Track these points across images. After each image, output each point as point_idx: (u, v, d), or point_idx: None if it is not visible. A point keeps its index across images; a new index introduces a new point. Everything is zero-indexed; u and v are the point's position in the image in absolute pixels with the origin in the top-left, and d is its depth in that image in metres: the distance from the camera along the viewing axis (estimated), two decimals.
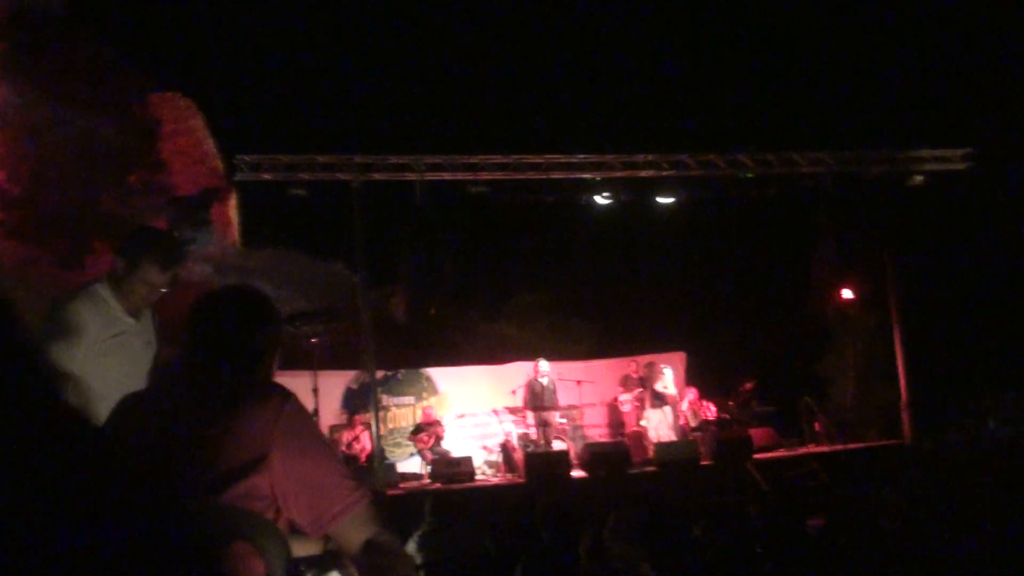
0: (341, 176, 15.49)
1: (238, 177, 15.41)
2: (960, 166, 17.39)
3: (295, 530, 2.26)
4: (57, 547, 1.25)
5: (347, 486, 2.25)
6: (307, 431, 2.25)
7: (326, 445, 2.32)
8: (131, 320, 4.30)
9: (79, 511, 1.30)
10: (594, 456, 14.40)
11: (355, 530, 2.26)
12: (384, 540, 2.27)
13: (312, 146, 15.91)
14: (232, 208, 18.25)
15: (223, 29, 18.84)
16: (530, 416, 15.44)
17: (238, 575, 2.04)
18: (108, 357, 4.20)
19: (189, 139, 16.43)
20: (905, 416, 16.66)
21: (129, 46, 15.44)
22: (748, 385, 17.81)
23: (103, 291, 4.18)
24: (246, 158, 15.18)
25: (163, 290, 4.29)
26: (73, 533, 1.30)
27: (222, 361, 2.35)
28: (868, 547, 4.69)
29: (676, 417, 16.17)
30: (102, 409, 3.79)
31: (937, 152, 17.34)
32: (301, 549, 2.54)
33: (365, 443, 15.35)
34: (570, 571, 4.86)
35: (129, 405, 2.45)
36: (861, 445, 16.17)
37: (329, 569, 2.60)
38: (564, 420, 15.91)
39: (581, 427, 17.05)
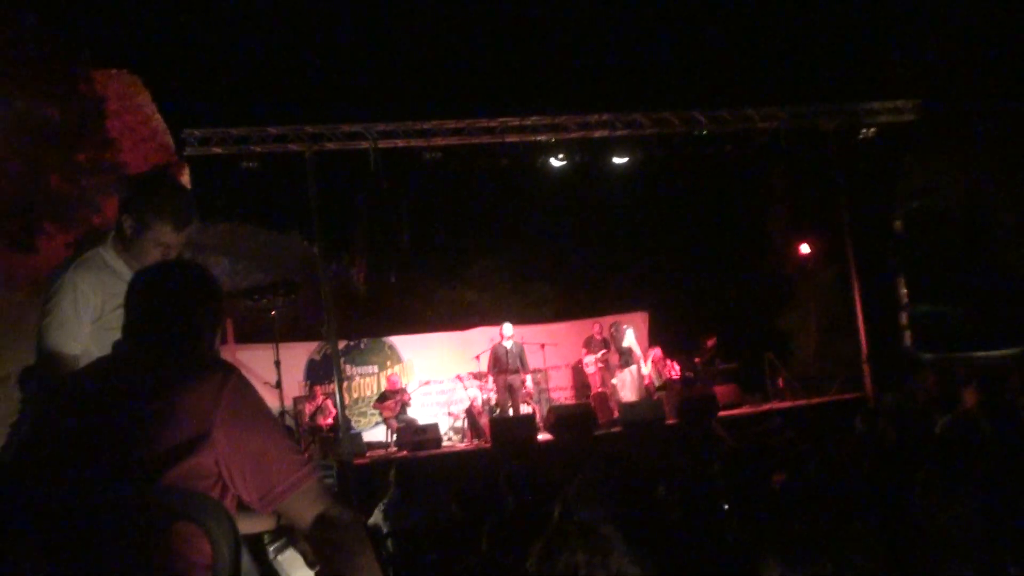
0: (293, 147, 15.34)
1: (188, 152, 15.22)
2: (911, 117, 17.47)
3: (246, 507, 2.20)
4: None
5: (295, 461, 2.19)
6: (251, 406, 2.17)
7: (272, 420, 2.25)
8: None
9: None
10: (560, 419, 14.41)
11: (305, 505, 2.20)
12: (336, 514, 2.22)
13: (262, 118, 15.73)
14: (185, 183, 18.06)
15: (166, 3, 18.57)
16: (489, 381, 15.44)
17: (183, 555, 1.99)
18: (118, 330, 3.77)
19: (137, 116, 16.19)
20: (866, 369, 16.79)
21: (71, 23, 15.16)
22: (710, 342, 17.91)
23: (107, 256, 3.68)
24: (195, 132, 14.99)
25: (177, 251, 3.75)
26: None
27: (161, 337, 2.28)
28: (831, 501, 4.69)
29: (641, 377, 16.24)
30: None
31: (888, 104, 17.41)
32: (254, 525, 2.49)
33: (329, 413, 15.31)
34: (536, 535, 4.84)
35: (66, 386, 2.38)
36: (823, 400, 16.29)
37: (289, 544, 2.56)
38: (531, 385, 15.93)
39: (546, 390, 17.09)
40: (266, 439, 2.16)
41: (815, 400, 15.86)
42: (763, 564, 2.36)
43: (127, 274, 3.50)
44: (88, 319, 3.58)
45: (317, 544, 2.24)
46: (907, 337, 17.49)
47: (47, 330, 3.56)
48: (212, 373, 2.15)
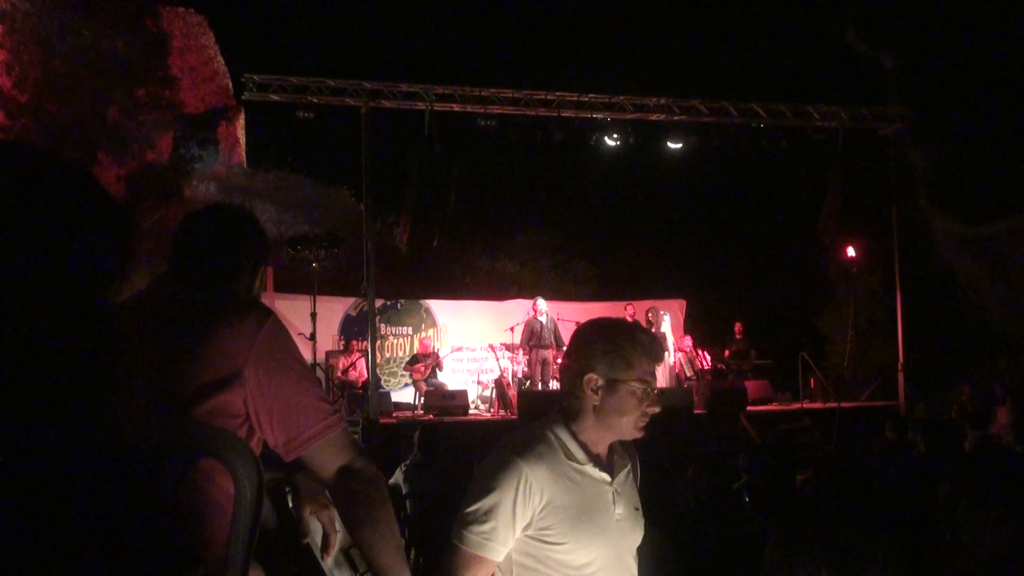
0: (350, 101, 15.35)
1: (246, 96, 15.27)
2: None
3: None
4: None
5: (323, 410, 2.19)
6: (285, 351, 2.18)
7: (305, 367, 2.25)
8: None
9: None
10: None
11: (330, 455, 2.20)
12: (360, 467, 2.22)
13: (322, 69, 15.77)
14: (240, 128, 18.18)
15: None
16: (520, 354, 15.42)
17: (207, 492, 2.00)
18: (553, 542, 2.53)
19: (199, 56, 16.30)
20: (901, 378, 16.64)
21: None
22: (736, 326, 17.71)
23: (565, 439, 2.53)
24: (255, 77, 15.02)
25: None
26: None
27: (201, 274, 2.30)
28: (854, 503, 4.67)
29: (672, 364, 16.18)
30: None
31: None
32: None
33: (361, 370, 15.39)
34: None
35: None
36: (854, 404, 16.18)
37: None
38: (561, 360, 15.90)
39: None
40: (297, 385, 2.16)
41: (846, 404, 15.73)
42: (798, 565, 2.34)
43: (585, 461, 2.56)
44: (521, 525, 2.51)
45: (338, 495, 2.25)
46: None
47: (466, 536, 2.55)
48: (249, 314, 2.16)
